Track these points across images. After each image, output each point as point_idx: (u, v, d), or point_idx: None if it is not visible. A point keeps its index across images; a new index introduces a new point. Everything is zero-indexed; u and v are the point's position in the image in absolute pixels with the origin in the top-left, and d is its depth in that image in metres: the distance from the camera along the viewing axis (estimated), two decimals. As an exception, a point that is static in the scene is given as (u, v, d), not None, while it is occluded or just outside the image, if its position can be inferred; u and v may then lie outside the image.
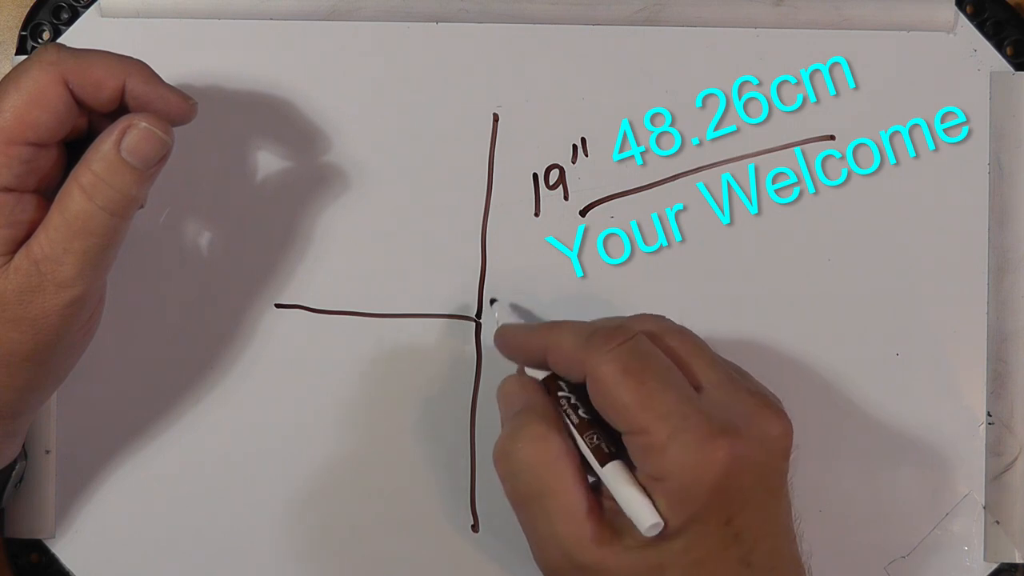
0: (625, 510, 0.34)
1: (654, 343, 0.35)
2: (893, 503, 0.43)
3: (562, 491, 0.34)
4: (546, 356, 0.37)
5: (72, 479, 0.43)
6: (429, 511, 0.43)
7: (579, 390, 0.36)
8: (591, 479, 0.35)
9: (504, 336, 0.39)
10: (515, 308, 0.42)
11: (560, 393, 0.36)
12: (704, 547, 0.33)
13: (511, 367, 0.43)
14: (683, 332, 0.37)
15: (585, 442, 0.35)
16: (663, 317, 0.38)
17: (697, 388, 0.35)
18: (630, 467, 0.34)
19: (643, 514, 0.33)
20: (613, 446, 0.35)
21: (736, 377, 0.36)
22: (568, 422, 0.36)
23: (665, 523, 0.33)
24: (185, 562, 0.43)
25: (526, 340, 0.38)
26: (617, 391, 0.34)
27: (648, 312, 0.38)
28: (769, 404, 0.35)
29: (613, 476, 0.34)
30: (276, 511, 0.43)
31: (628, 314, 0.42)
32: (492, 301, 0.43)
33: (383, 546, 0.43)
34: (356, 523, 0.43)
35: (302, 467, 0.43)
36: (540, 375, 0.38)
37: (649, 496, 0.33)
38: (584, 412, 0.36)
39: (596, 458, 0.35)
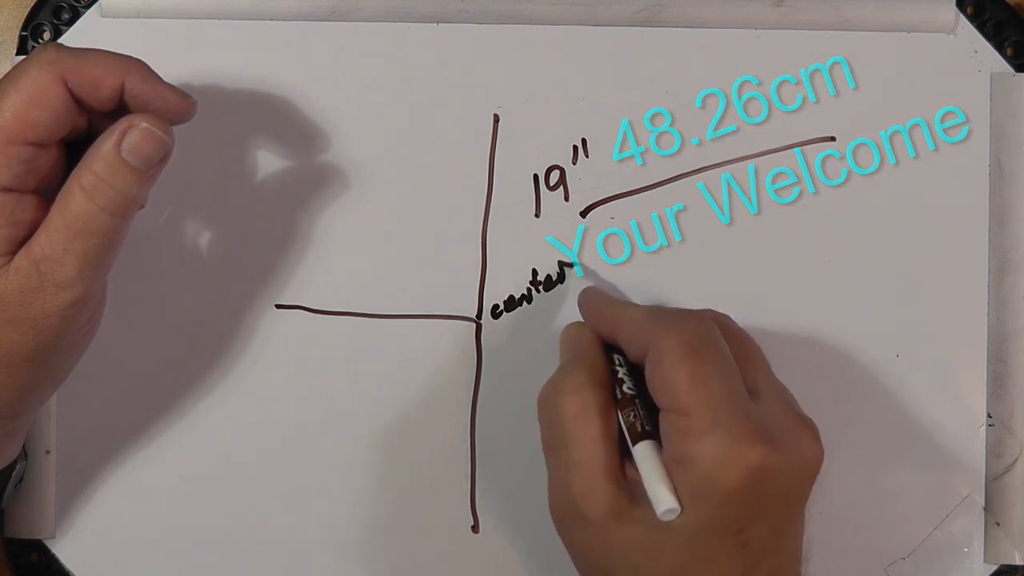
0: (647, 488, 0.34)
1: (723, 334, 0.36)
2: (893, 504, 0.43)
3: (588, 443, 0.35)
4: (617, 329, 0.37)
5: (72, 479, 0.43)
6: (429, 512, 0.43)
7: (634, 370, 0.36)
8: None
9: (585, 300, 0.40)
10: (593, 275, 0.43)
11: (618, 364, 0.37)
12: (709, 546, 0.33)
13: (511, 368, 0.43)
14: (749, 337, 0.37)
15: (624, 415, 0.35)
16: (730, 318, 0.38)
17: (752, 391, 0.35)
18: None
19: (663, 497, 0.33)
20: (649, 425, 0.35)
21: (786, 393, 0.36)
22: (615, 390, 0.36)
23: (680, 511, 0.33)
24: (184, 562, 0.43)
25: (603, 308, 0.39)
26: (673, 366, 0.34)
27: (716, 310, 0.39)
28: (811, 428, 0.35)
29: (643, 453, 0.34)
30: (276, 511, 0.43)
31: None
32: (569, 265, 0.43)
33: (383, 547, 0.43)
34: (356, 524, 0.43)
35: (302, 467, 0.43)
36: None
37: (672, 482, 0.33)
38: (630, 387, 0.36)
39: (630, 433, 0.35)
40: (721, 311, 0.42)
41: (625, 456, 0.35)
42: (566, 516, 0.35)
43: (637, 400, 0.36)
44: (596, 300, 0.40)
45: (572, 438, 0.35)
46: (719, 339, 0.35)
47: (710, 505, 0.33)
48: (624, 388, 0.36)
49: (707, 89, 0.43)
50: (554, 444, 0.36)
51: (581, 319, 0.40)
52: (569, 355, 0.38)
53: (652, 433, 0.35)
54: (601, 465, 0.34)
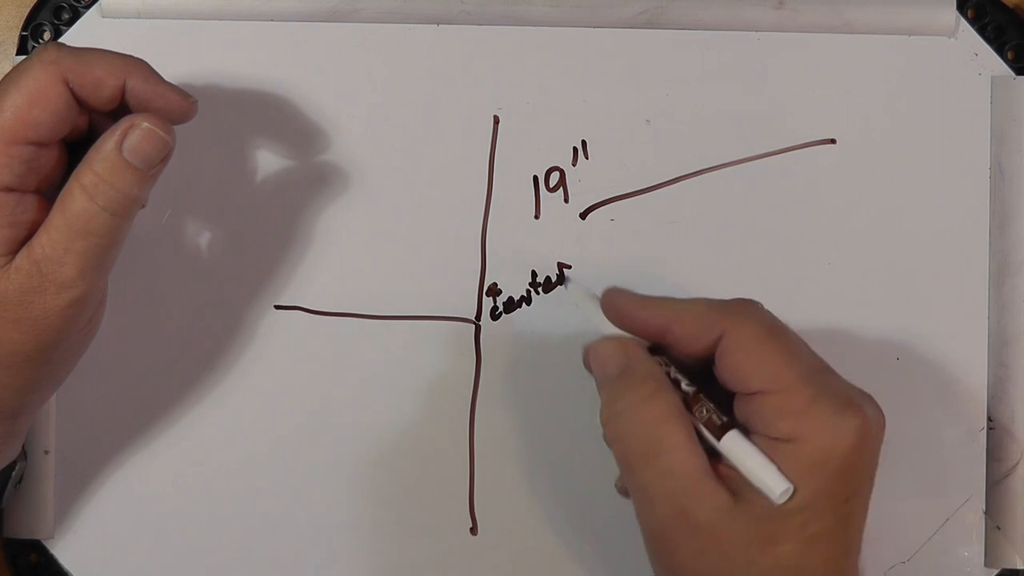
0: (752, 479, 0.33)
1: None
2: (893, 508, 0.42)
3: (679, 448, 0.34)
4: (669, 326, 0.36)
5: (71, 480, 0.43)
6: (428, 514, 0.43)
7: (681, 366, 0.36)
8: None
9: (616, 303, 0.37)
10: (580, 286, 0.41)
11: (665, 365, 0.36)
12: (821, 523, 0.33)
13: (510, 370, 0.43)
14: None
15: (697, 413, 0.35)
16: None
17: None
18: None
19: (774, 480, 0.32)
20: (725, 416, 0.34)
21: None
22: (678, 390, 0.35)
23: (794, 491, 0.32)
24: (184, 562, 0.43)
25: (644, 307, 0.37)
26: (763, 348, 0.34)
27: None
28: (867, 395, 0.35)
29: (736, 444, 0.34)
30: (274, 512, 0.43)
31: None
32: (564, 274, 0.42)
33: (382, 548, 0.43)
34: (355, 525, 0.43)
35: (300, 468, 0.43)
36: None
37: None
38: (688, 385, 0.35)
39: (709, 428, 0.34)
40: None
41: (709, 454, 0.34)
42: (670, 527, 0.34)
43: (701, 395, 0.35)
44: (633, 300, 0.37)
45: (663, 446, 0.34)
46: (783, 323, 0.35)
47: (822, 479, 0.33)
48: (683, 387, 0.35)
49: (708, 91, 0.43)
50: (641, 457, 0.34)
51: (592, 322, 0.38)
52: (618, 369, 0.36)
53: (731, 423, 0.34)
54: (700, 466, 0.34)
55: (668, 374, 0.36)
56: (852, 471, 0.33)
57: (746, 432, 0.34)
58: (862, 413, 0.33)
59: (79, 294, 0.35)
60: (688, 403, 0.35)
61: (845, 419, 0.33)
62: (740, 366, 0.34)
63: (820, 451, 0.33)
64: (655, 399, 0.34)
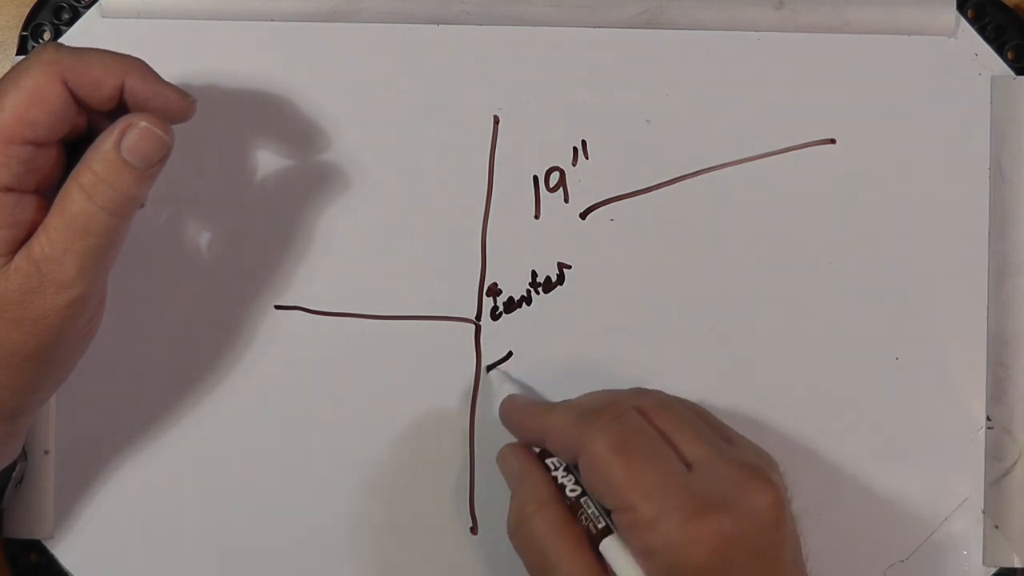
0: None
1: (645, 419, 0.36)
2: (892, 507, 0.43)
3: (565, 561, 0.35)
4: (544, 438, 0.38)
5: (71, 480, 0.43)
6: (428, 513, 0.43)
7: (574, 466, 0.37)
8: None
9: (506, 414, 0.41)
10: (507, 376, 0.42)
11: (554, 469, 0.37)
12: None
13: (510, 371, 0.43)
14: (673, 406, 0.37)
15: (579, 519, 0.36)
16: (658, 392, 0.38)
17: (687, 464, 0.35)
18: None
19: None
20: (605, 519, 0.35)
21: (725, 448, 0.36)
22: (564, 497, 0.37)
23: None
24: (183, 563, 0.43)
25: (525, 420, 0.39)
26: (605, 469, 0.34)
27: (643, 387, 0.39)
28: (757, 475, 0.34)
29: (609, 552, 0.35)
30: (274, 512, 0.43)
31: (628, 315, 0.43)
32: (488, 369, 0.43)
33: (382, 548, 0.43)
34: (355, 525, 0.43)
35: (301, 468, 0.43)
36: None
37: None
38: (573, 489, 0.36)
39: (588, 536, 0.35)
40: (721, 314, 0.42)
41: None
42: None
43: (583, 499, 0.36)
44: (517, 412, 0.40)
45: (552, 560, 0.35)
46: (643, 427, 0.35)
47: None
48: (568, 492, 0.36)
49: (708, 92, 0.43)
50: (539, 570, 0.36)
51: (502, 419, 0.41)
52: (514, 481, 0.38)
53: (607, 530, 0.35)
54: (588, 574, 0.35)
55: (556, 479, 0.37)
56: (718, 572, 0.33)
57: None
58: (715, 520, 0.33)
59: (78, 294, 0.35)
60: (573, 508, 0.36)
61: (693, 529, 0.33)
62: (591, 485, 0.35)
63: (671, 566, 0.33)
64: (541, 512, 0.36)
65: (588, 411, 0.36)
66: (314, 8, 0.43)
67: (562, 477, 0.37)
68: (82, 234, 0.34)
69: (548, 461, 0.38)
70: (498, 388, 0.42)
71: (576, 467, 0.36)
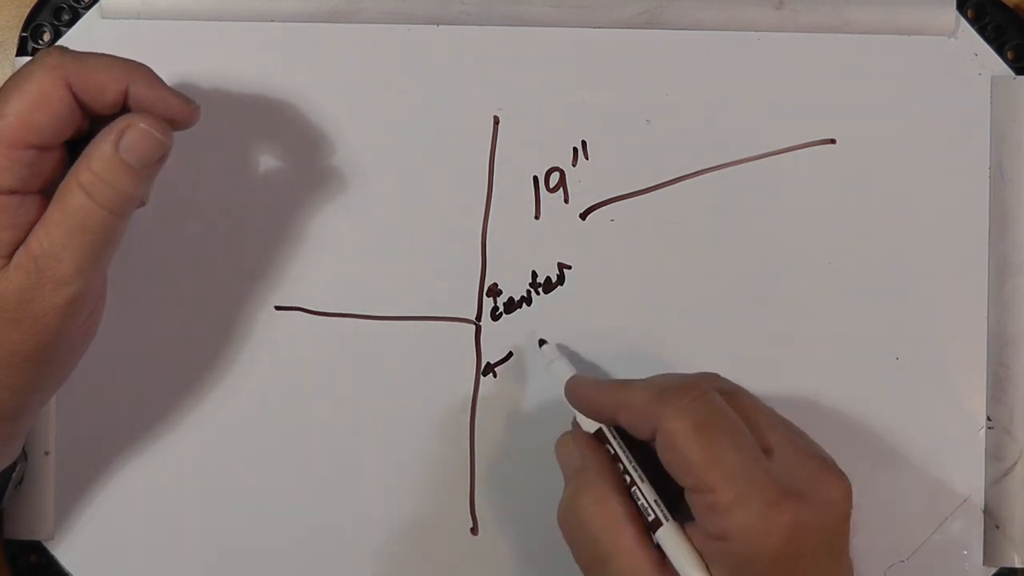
0: (681, 573, 0.34)
1: (728, 401, 0.35)
2: (892, 507, 0.43)
3: (626, 553, 0.35)
4: (617, 414, 0.36)
5: (71, 480, 0.43)
6: (428, 514, 0.43)
7: (634, 446, 0.36)
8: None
9: (575, 391, 0.39)
10: (563, 348, 0.42)
11: (613, 447, 0.37)
12: None
13: (510, 371, 0.43)
14: (750, 394, 0.37)
15: (640, 506, 0.35)
16: (723, 377, 0.38)
17: (766, 450, 0.35)
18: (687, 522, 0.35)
19: None
20: (666, 505, 0.35)
21: (797, 439, 0.36)
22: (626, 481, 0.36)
23: None
24: (183, 563, 0.43)
25: (597, 395, 0.38)
26: (687, 447, 0.34)
27: (707, 371, 0.38)
28: (830, 467, 0.35)
29: (666, 541, 0.34)
30: (275, 513, 0.43)
31: (628, 316, 0.43)
32: (541, 342, 0.42)
33: (382, 548, 0.43)
34: (355, 525, 0.43)
35: (301, 469, 0.43)
36: (594, 427, 0.38)
37: (704, 560, 0.34)
38: (636, 470, 0.36)
39: (646, 524, 0.35)
40: (721, 314, 0.42)
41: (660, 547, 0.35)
42: None
43: (643, 487, 0.36)
44: (589, 388, 0.39)
45: (612, 551, 0.35)
46: (725, 409, 0.35)
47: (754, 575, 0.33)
48: (631, 473, 0.36)
49: (708, 92, 0.43)
50: (594, 560, 0.35)
51: (568, 396, 0.40)
52: (573, 468, 0.38)
53: (664, 518, 0.35)
54: (648, 567, 0.34)
55: (619, 465, 0.36)
56: (790, 561, 0.33)
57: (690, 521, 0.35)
58: (793, 509, 0.33)
59: (76, 291, 0.35)
60: (635, 493, 0.36)
61: (770, 516, 0.33)
62: (669, 464, 0.35)
63: (746, 551, 0.33)
64: (605, 503, 0.35)
65: (670, 388, 0.35)
66: (314, 9, 0.43)
67: (624, 462, 0.36)
68: (80, 231, 0.34)
69: (611, 438, 0.37)
70: (550, 363, 0.41)
71: (639, 444, 0.36)
